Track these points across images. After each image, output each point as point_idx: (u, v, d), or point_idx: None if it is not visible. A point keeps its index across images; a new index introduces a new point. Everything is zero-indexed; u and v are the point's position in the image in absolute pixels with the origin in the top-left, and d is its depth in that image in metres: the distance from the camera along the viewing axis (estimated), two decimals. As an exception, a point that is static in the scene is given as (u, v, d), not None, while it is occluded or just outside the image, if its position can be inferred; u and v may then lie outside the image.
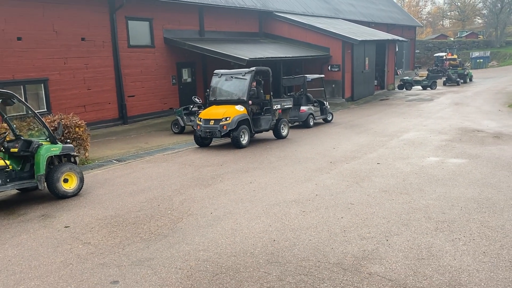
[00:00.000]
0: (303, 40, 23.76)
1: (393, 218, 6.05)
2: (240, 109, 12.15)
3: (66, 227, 6.33)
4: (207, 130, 12.00)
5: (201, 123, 12.16)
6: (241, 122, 12.08)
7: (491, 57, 49.32)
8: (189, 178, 8.95)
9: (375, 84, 27.73)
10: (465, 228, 5.60)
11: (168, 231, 5.92)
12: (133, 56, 17.97)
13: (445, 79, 32.31)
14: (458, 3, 74.65)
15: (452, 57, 37.23)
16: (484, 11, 64.49)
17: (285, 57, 20.40)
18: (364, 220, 6.01)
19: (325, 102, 16.81)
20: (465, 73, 32.98)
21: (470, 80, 33.59)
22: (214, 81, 13.17)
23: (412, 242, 5.20)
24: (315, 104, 16.42)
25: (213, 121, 11.95)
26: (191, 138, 13.20)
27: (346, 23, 28.82)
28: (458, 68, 33.49)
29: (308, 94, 16.24)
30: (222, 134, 11.89)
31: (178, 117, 15.37)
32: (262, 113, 13.08)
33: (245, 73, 12.67)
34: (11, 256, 5.35)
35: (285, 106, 13.99)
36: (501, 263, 4.59)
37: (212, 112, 12.19)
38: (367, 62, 25.17)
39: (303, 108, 15.65)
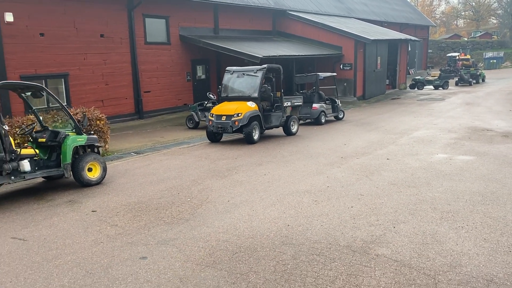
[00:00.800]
0: (315, 38, 24.06)
1: (401, 208, 6.40)
2: (251, 105, 12.40)
3: (93, 211, 6.78)
4: (219, 126, 12.30)
5: (213, 119, 12.46)
6: (252, 118, 12.34)
7: (505, 58, 49.07)
8: (206, 169, 9.37)
9: (387, 83, 27.94)
10: (469, 218, 5.93)
11: (189, 216, 6.34)
12: (150, 53, 18.46)
13: (457, 79, 32.36)
14: (473, 3, 74.19)
15: (465, 57, 37.20)
16: (499, 11, 64.05)
17: (298, 55, 20.74)
18: (373, 209, 6.37)
19: (336, 100, 17.11)
20: (478, 73, 32.99)
21: (483, 80, 33.57)
22: (226, 78, 13.46)
23: (418, 229, 5.56)
24: (327, 102, 16.73)
25: (225, 116, 12.21)
26: (205, 133, 13.59)
27: (359, 22, 29.04)
28: (471, 69, 33.50)
29: (320, 92, 16.56)
30: (233, 129, 12.13)
31: (193, 113, 15.81)
32: (273, 110, 13.38)
33: (257, 70, 12.92)
34: (45, 235, 5.82)
35: (295, 104, 14.33)
36: (500, 248, 4.93)
37: (224, 108, 12.48)
38: (379, 61, 25.39)
39: (315, 105, 15.98)
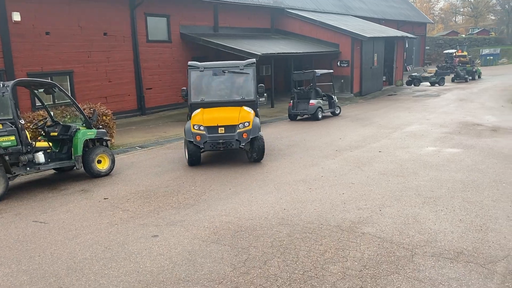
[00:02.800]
0: (313, 36, 24.59)
1: (388, 194, 7.00)
2: (250, 111, 9.89)
3: (105, 198, 7.37)
4: (220, 141, 9.24)
5: (203, 132, 9.27)
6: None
7: (502, 55, 49.60)
8: (208, 161, 9.94)
9: (384, 80, 28.48)
10: (449, 202, 6.53)
11: (194, 201, 6.94)
12: (151, 51, 19.00)
13: (453, 76, 32.91)
14: (471, 0, 74.65)
15: (462, 54, 37.70)
16: (497, 8, 64.57)
17: (296, 52, 21.29)
18: (362, 195, 6.98)
19: (333, 96, 17.67)
20: (474, 70, 33.52)
21: (479, 77, 34.11)
22: (194, 76, 10.26)
23: (401, 212, 6.16)
24: (323, 98, 17.28)
25: (223, 128, 9.32)
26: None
27: (356, 20, 29.57)
28: (467, 65, 34.05)
29: (317, 88, 17.10)
30: (242, 144, 9.35)
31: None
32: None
33: (244, 66, 10.35)
34: (64, 219, 6.40)
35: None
36: (472, 227, 5.53)
37: (216, 117, 9.46)
38: (375, 58, 25.94)
39: (312, 101, 16.52)
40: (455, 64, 35.13)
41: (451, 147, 10.78)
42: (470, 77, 32.81)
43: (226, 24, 22.27)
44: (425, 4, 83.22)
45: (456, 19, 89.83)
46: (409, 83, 30.70)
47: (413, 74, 32.15)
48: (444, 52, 42.67)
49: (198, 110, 9.81)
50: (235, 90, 10.28)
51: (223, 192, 7.40)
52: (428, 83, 30.55)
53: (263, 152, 9.62)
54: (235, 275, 4.50)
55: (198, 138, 9.28)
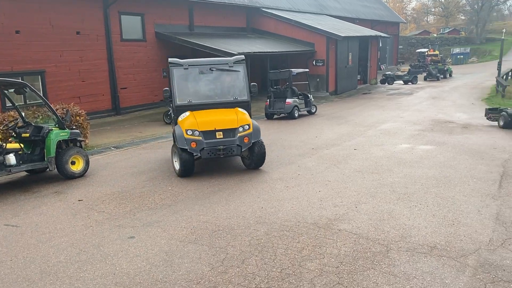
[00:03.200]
0: (289, 35, 24.71)
1: (363, 191, 7.11)
2: (246, 112, 8.99)
3: (79, 200, 7.23)
4: (220, 147, 8.22)
5: (199, 138, 8.22)
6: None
7: (471, 54, 50.96)
8: (185, 161, 9.87)
9: (358, 78, 28.87)
10: (422, 198, 6.68)
11: (171, 202, 6.88)
12: (126, 50, 18.75)
13: (426, 74, 33.63)
14: (442, 0, 76.40)
15: (434, 53, 38.60)
16: (467, 8, 66.24)
17: (272, 52, 21.35)
18: (338, 193, 7.06)
19: (309, 95, 17.81)
20: (445, 68, 34.35)
21: (450, 75, 34.96)
22: (178, 74, 9.10)
23: (377, 209, 6.26)
24: (300, 97, 17.40)
25: (221, 132, 8.36)
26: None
27: (331, 19, 29.87)
28: (439, 64, 34.85)
29: (293, 87, 17.21)
30: (242, 150, 8.46)
31: (170, 108, 16.19)
32: None
33: (234, 63, 9.37)
34: (37, 222, 6.25)
35: None
36: (445, 222, 5.68)
37: (213, 120, 8.45)
38: (350, 57, 26.27)
39: (288, 100, 16.62)
40: (427, 63, 35.94)
41: (424, 144, 11.02)
42: (442, 76, 33.59)
43: (201, 23, 22.15)
44: (398, 4, 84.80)
45: (428, 19, 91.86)
46: (383, 82, 31.22)
47: (387, 73, 32.71)
48: (416, 51, 43.62)
49: (187, 113, 8.67)
50: (226, 90, 9.24)
51: (200, 192, 7.37)
52: (401, 82, 31.13)
53: (264, 159, 8.80)
54: (213, 275, 4.49)
55: (193, 145, 8.19)
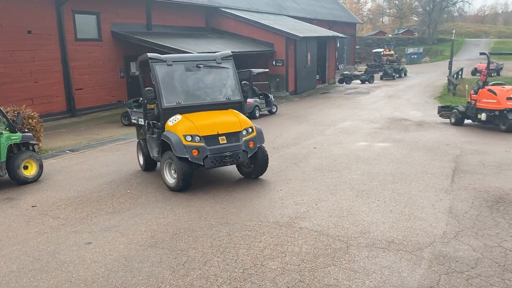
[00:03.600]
0: (249, 35, 24.75)
1: (323, 189, 7.22)
2: (242, 114, 8.10)
3: (33, 206, 6.93)
4: (226, 153, 7.26)
5: (201, 145, 7.16)
6: None
7: (424, 53, 52.94)
8: (144, 163, 9.66)
9: (317, 78, 29.33)
10: (380, 194, 6.86)
11: (130, 205, 6.72)
12: (81, 49, 18.16)
13: (382, 74, 34.60)
14: (396, 1, 78.90)
15: (390, 53, 39.75)
16: (420, 10, 68.75)
17: (232, 52, 21.18)
18: (299, 191, 7.14)
19: (270, 95, 17.92)
20: (400, 68, 35.51)
21: (405, 74, 36.15)
22: (162, 72, 7.79)
23: (336, 206, 6.37)
24: (260, 96, 17.48)
25: (224, 137, 7.38)
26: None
27: (290, 20, 30.17)
28: (394, 64, 35.97)
29: (254, 87, 17.26)
30: (249, 155, 7.58)
31: (128, 109, 15.84)
32: None
33: (222, 59, 8.48)
34: (-14, 230, 5.94)
35: None
36: (402, 217, 5.86)
37: (213, 123, 7.48)
38: (309, 58, 26.63)
39: (249, 100, 16.62)
40: (383, 62, 36.98)
41: (381, 141, 11.33)
42: (397, 75, 34.67)
43: (160, 22, 21.80)
44: (354, 5, 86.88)
45: (383, 20, 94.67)
46: (341, 81, 31.86)
47: (344, 72, 33.42)
48: (373, 51, 44.83)
49: (179, 117, 7.50)
50: (218, 90, 8.20)
51: (160, 195, 7.24)
52: (358, 81, 31.89)
53: (267, 167, 8.03)
54: (174, 278, 4.42)
55: (195, 152, 7.06)
